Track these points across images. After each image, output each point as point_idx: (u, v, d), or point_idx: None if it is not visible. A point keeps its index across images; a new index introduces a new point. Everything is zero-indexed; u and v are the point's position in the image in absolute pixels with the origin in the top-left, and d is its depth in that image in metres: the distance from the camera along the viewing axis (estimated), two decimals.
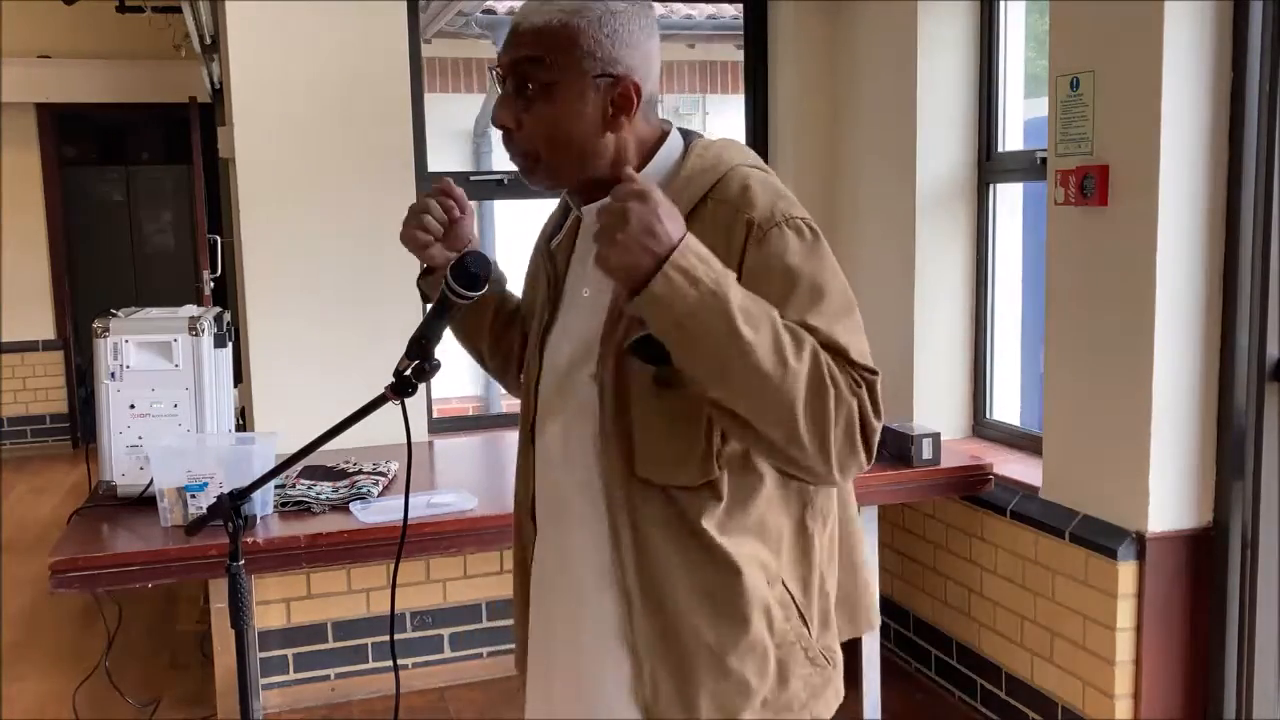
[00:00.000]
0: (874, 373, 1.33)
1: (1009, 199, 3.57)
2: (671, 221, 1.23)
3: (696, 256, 1.23)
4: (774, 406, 1.24)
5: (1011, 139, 3.51)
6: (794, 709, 1.44)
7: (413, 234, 1.56)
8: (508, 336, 1.68)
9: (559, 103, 1.36)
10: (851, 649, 3.00)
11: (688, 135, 1.47)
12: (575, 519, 1.45)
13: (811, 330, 1.29)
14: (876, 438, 1.31)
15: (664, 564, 1.38)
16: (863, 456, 1.30)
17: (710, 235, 1.31)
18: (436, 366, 1.42)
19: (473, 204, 1.59)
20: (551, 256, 1.54)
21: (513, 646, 1.70)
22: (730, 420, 1.29)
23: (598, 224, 1.24)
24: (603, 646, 1.44)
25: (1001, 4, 3.46)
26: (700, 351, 1.24)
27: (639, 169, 1.41)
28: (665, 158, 1.43)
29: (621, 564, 1.40)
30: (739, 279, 1.29)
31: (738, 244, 1.32)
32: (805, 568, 1.45)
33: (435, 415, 3.87)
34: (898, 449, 3.08)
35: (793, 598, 1.43)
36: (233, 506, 1.55)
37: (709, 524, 1.37)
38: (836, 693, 1.51)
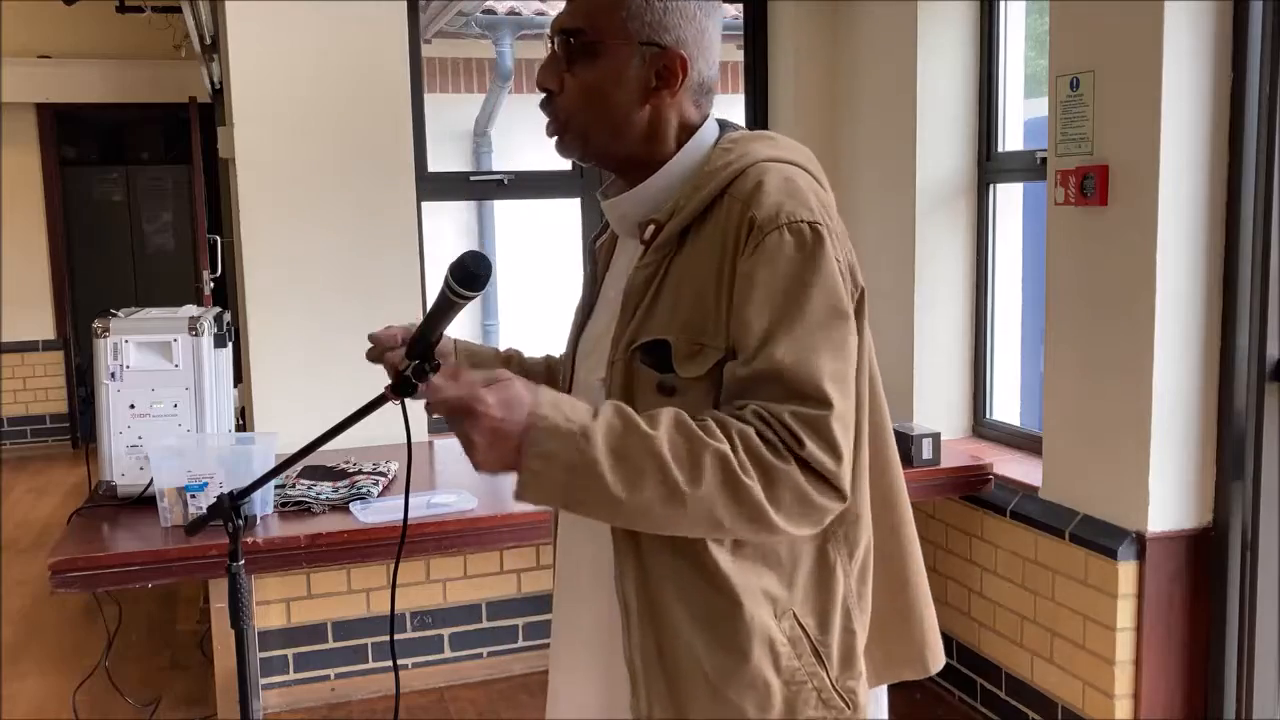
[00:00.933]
0: (825, 406, 1.21)
1: (1009, 199, 3.57)
2: (507, 409, 1.15)
3: (548, 433, 1.15)
4: (694, 527, 1.21)
5: (1011, 139, 3.51)
6: None
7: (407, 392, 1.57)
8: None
9: (600, 65, 1.32)
10: None
11: (724, 127, 1.41)
12: (584, 529, 1.43)
13: (767, 356, 1.22)
14: (841, 473, 1.22)
15: (663, 582, 1.33)
16: (826, 502, 1.22)
17: (719, 233, 1.28)
18: (436, 366, 1.41)
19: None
20: (594, 255, 1.51)
21: (512, 646, 1.70)
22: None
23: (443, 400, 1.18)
24: (606, 657, 1.42)
25: (1001, 4, 3.45)
26: (598, 513, 1.21)
27: (671, 155, 1.37)
28: (694, 150, 1.37)
29: (622, 575, 1.36)
30: (733, 280, 1.25)
31: (738, 243, 1.27)
32: (824, 601, 1.35)
33: (435, 415, 3.87)
34: (898, 449, 3.07)
35: (806, 633, 1.33)
36: (233, 506, 1.55)
37: (714, 546, 1.30)
38: None
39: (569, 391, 1.48)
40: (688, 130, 1.38)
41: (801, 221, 1.26)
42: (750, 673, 1.30)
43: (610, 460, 1.15)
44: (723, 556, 1.30)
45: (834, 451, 1.21)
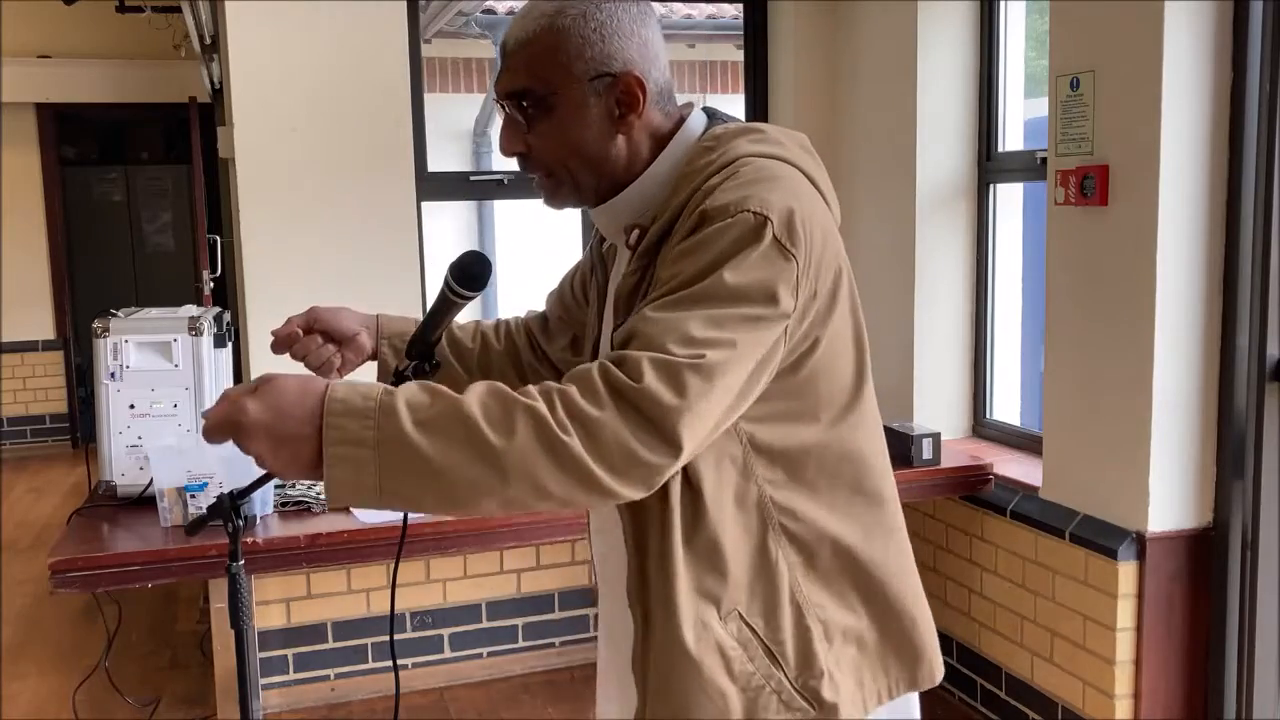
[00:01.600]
0: (693, 359, 1.12)
1: (1009, 199, 3.57)
2: (276, 411, 1.10)
3: (347, 415, 1.09)
4: (522, 495, 1.11)
5: (1011, 139, 3.51)
6: None
7: (326, 376, 1.52)
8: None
9: (558, 116, 1.29)
10: None
11: (713, 117, 1.38)
12: (607, 528, 1.41)
13: (646, 313, 1.17)
14: (681, 416, 1.11)
15: (651, 588, 1.30)
16: (652, 454, 1.12)
17: (679, 232, 1.25)
18: (436, 366, 1.42)
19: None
20: (603, 261, 1.48)
21: (512, 646, 1.69)
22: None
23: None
24: (623, 668, 1.40)
25: (1001, 4, 3.45)
26: (414, 496, 1.12)
27: (647, 164, 1.33)
28: (676, 149, 1.34)
29: (629, 576, 1.34)
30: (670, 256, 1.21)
31: (687, 230, 1.22)
32: (771, 598, 1.29)
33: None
34: (898, 449, 3.08)
35: (756, 633, 1.29)
36: (233, 506, 1.55)
37: (675, 545, 1.26)
38: None
39: None
40: (661, 139, 1.35)
41: (750, 211, 1.19)
42: (701, 679, 1.27)
43: (417, 431, 1.09)
44: (674, 556, 1.27)
45: (679, 391, 1.11)
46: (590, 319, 1.49)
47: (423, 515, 2.62)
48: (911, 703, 1.43)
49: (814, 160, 1.40)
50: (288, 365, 3.69)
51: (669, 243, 1.26)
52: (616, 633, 1.42)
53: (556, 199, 1.38)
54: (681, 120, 1.36)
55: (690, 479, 1.26)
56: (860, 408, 1.36)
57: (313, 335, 1.55)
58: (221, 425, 1.12)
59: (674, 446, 1.12)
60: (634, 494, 1.14)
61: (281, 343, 1.54)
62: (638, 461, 1.11)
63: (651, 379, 1.11)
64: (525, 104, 1.30)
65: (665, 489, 1.24)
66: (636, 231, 1.31)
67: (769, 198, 1.21)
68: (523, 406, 1.10)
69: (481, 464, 1.09)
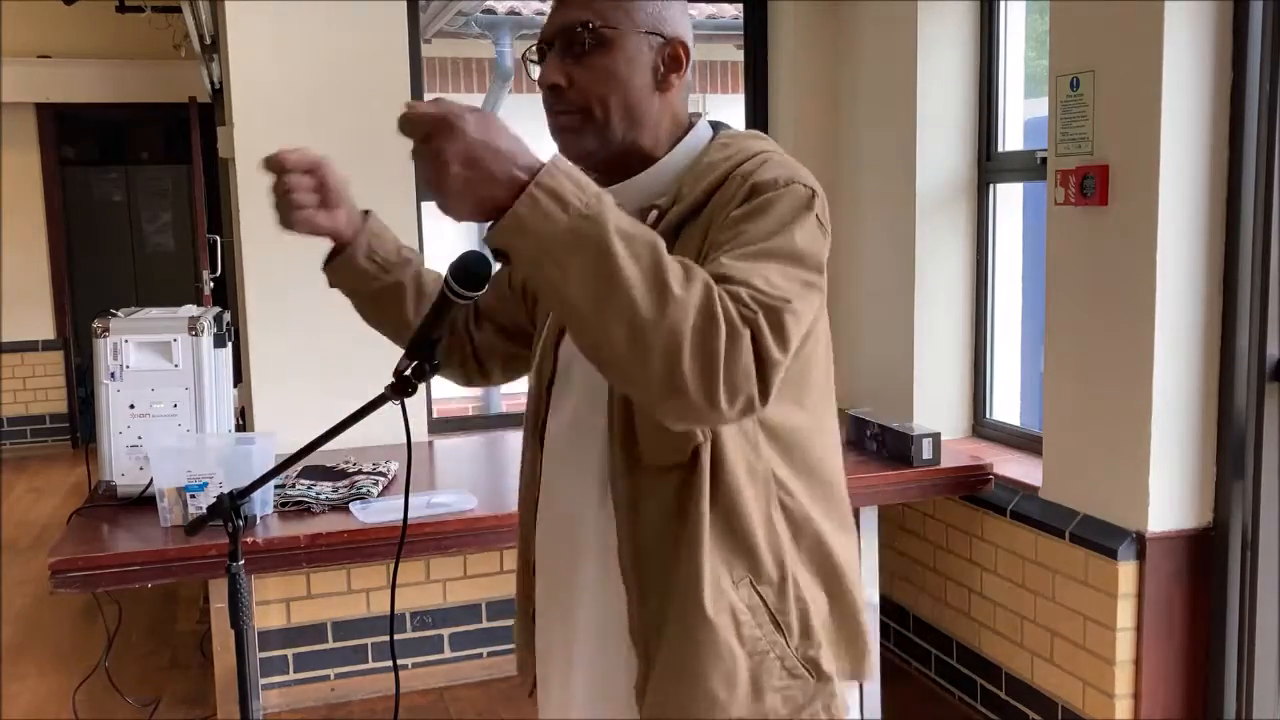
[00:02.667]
0: (785, 301, 1.17)
1: (1009, 199, 3.57)
2: (490, 134, 1.08)
3: (565, 175, 1.09)
4: (657, 348, 1.10)
5: (1011, 139, 3.51)
6: None
7: (286, 215, 1.54)
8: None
9: (615, 52, 1.36)
10: None
11: (717, 127, 1.46)
12: (581, 508, 1.43)
13: (737, 257, 1.21)
14: (778, 367, 1.16)
15: (656, 555, 1.35)
16: (756, 391, 1.14)
17: (715, 204, 1.32)
18: (437, 366, 1.41)
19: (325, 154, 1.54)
20: None
21: (512, 646, 1.67)
22: (605, 366, 1.16)
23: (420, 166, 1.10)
24: (611, 641, 1.42)
25: (1001, 4, 3.46)
26: (570, 283, 1.09)
27: (668, 148, 1.41)
28: (691, 144, 1.42)
29: (621, 554, 1.37)
30: (723, 224, 1.27)
31: (734, 203, 1.29)
32: (778, 570, 1.36)
33: (435, 415, 3.87)
34: (898, 449, 3.08)
35: (764, 601, 1.35)
36: (233, 506, 1.55)
37: (703, 510, 1.31)
38: (832, 709, 1.39)
39: (550, 385, 1.47)
40: (679, 125, 1.43)
41: (799, 184, 1.29)
42: (715, 639, 1.31)
43: (616, 233, 1.09)
44: (689, 517, 1.31)
45: (782, 340, 1.16)
46: (554, 317, 1.50)
47: (422, 516, 2.63)
48: (853, 695, 1.47)
49: None
50: (288, 365, 3.68)
51: (697, 221, 1.33)
52: (592, 606, 1.43)
53: (577, 138, 1.38)
54: (691, 125, 1.44)
55: (716, 446, 1.32)
56: (831, 401, 1.44)
57: (307, 177, 1.55)
58: (430, 119, 1.08)
59: (765, 389, 1.15)
60: (723, 410, 1.13)
61: (282, 163, 1.53)
62: (742, 387, 1.13)
63: (764, 322, 1.14)
64: (587, 34, 1.35)
65: (696, 454, 1.30)
66: (655, 212, 1.37)
67: (810, 179, 1.32)
68: (703, 277, 1.12)
69: (649, 294, 1.08)
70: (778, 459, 1.36)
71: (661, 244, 1.13)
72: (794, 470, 1.38)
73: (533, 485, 1.53)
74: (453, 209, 1.12)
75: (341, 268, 1.60)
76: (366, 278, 1.60)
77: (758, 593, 1.34)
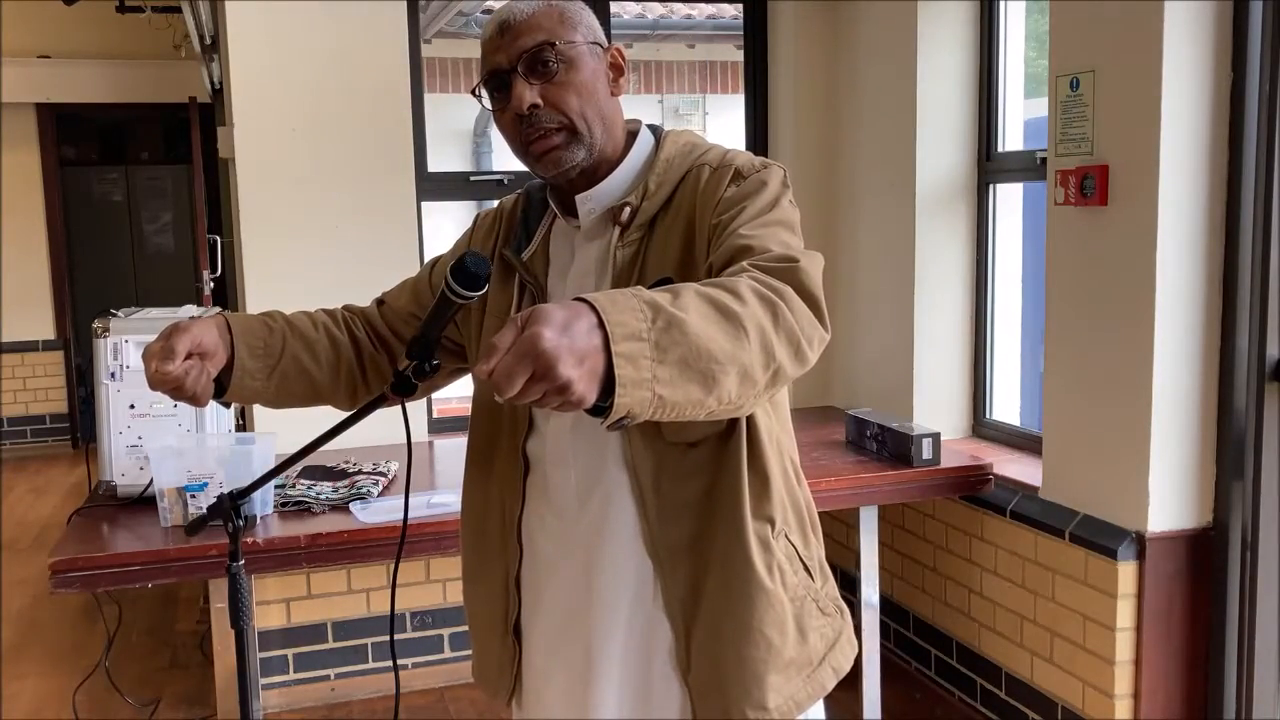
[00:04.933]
0: (801, 252, 1.31)
1: (1009, 199, 3.57)
2: (564, 328, 1.05)
3: (619, 313, 1.09)
4: (761, 359, 1.17)
5: (1011, 139, 3.51)
6: (814, 663, 1.48)
7: (158, 381, 1.48)
8: (299, 373, 1.60)
9: (579, 66, 1.44)
10: None
11: (654, 128, 1.57)
12: (593, 503, 1.46)
13: (746, 235, 1.33)
14: (823, 302, 1.28)
15: (687, 524, 1.43)
16: (822, 329, 1.26)
17: (689, 196, 1.44)
18: (437, 366, 1.41)
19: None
20: (528, 267, 1.55)
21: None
22: (718, 416, 1.22)
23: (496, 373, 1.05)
24: (635, 622, 1.47)
25: (1001, 4, 3.45)
26: (684, 379, 1.13)
27: (621, 156, 1.50)
28: (644, 146, 1.53)
29: (650, 529, 1.44)
30: (716, 208, 1.39)
31: (721, 189, 1.41)
32: (800, 521, 1.51)
33: (435, 415, 3.87)
34: (898, 449, 3.08)
35: (796, 550, 1.48)
36: (233, 506, 1.55)
37: (734, 475, 1.42)
38: (850, 642, 1.55)
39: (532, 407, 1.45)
40: (626, 129, 1.53)
41: (775, 165, 1.45)
42: (766, 590, 1.42)
43: (679, 311, 1.12)
44: (726, 484, 1.41)
45: (815, 280, 1.28)
46: (497, 311, 1.54)
47: (422, 516, 2.63)
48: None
49: None
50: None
51: (669, 210, 1.46)
52: (609, 588, 1.46)
53: (566, 152, 1.44)
54: (635, 125, 1.56)
55: (750, 416, 1.43)
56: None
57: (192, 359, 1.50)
58: (521, 360, 1.03)
59: (825, 325, 1.26)
60: (812, 359, 1.24)
61: (171, 381, 1.47)
62: (815, 335, 1.24)
63: (801, 274, 1.26)
64: (551, 54, 1.42)
65: (731, 425, 1.42)
66: (629, 209, 1.46)
67: (773, 161, 1.47)
68: (741, 280, 1.20)
69: (730, 326, 1.14)
70: (774, 416, 1.49)
71: (695, 286, 1.16)
72: (783, 426, 1.52)
73: (515, 501, 1.53)
74: (586, 394, 1.07)
75: (238, 383, 1.54)
76: (263, 371, 1.55)
77: (791, 543, 1.48)
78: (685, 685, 1.46)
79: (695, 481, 1.44)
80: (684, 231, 1.44)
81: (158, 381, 1.47)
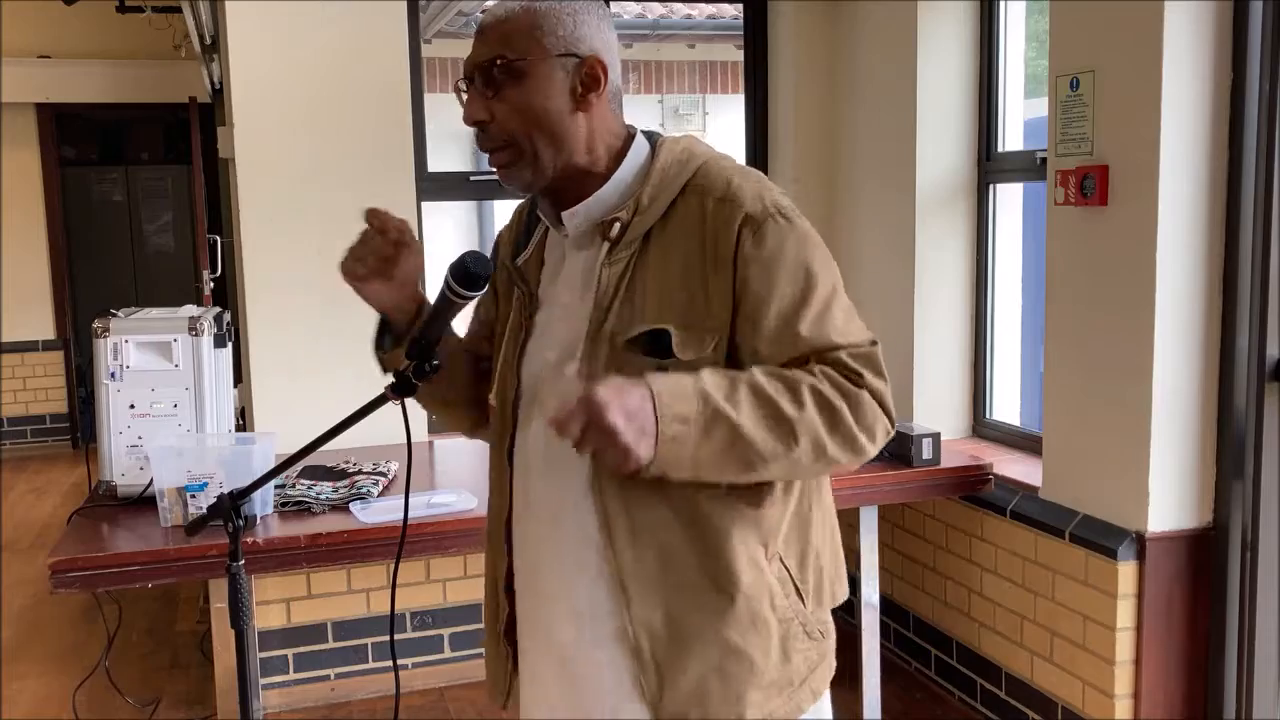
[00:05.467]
0: (870, 344, 1.38)
1: (1009, 199, 3.57)
2: (627, 391, 1.25)
3: (672, 396, 1.26)
4: (808, 458, 1.31)
5: (1011, 139, 3.51)
6: (794, 684, 1.46)
7: (349, 265, 1.56)
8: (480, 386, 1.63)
9: (528, 84, 1.38)
10: (852, 649, 3.00)
11: (650, 134, 1.51)
12: (565, 519, 1.44)
13: (802, 339, 1.35)
14: (890, 398, 1.37)
15: (656, 544, 1.39)
16: (887, 422, 1.37)
17: (693, 223, 1.38)
18: (437, 366, 1.42)
19: (418, 234, 1.58)
20: (522, 274, 1.53)
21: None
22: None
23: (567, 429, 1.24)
24: (600, 645, 1.43)
25: (1001, 4, 3.46)
26: (725, 466, 1.30)
27: (611, 167, 1.44)
28: (636, 157, 1.46)
29: (616, 554, 1.39)
30: (734, 272, 1.35)
31: (731, 237, 1.36)
32: (802, 545, 1.47)
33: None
34: (898, 449, 3.08)
35: (790, 573, 1.45)
36: (233, 506, 1.55)
37: (704, 497, 1.38)
38: (830, 666, 1.54)
39: (516, 402, 1.49)
40: (617, 137, 1.45)
41: (785, 208, 1.40)
42: (753, 612, 1.40)
43: (730, 408, 1.27)
44: (713, 506, 1.38)
45: (884, 379, 1.37)
46: (511, 327, 1.52)
47: (422, 516, 2.63)
48: (825, 701, 1.59)
49: None
50: (288, 365, 3.68)
51: (666, 232, 1.40)
52: (583, 611, 1.44)
53: (513, 171, 1.42)
54: (631, 134, 1.49)
55: None
56: None
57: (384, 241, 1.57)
58: (580, 408, 1.22)
59: (892, 419, 1.38)
60: (873, 452, 1.38)
61: (379, 229, 1.56)
62: (879, 432, 1.36)
63: (869, 376, 1.35)
64: (497, 70, 1.38)
65: None
66: (618, 225, 1.41)
67: (770, 187, 1.42)
68: (806, 382, 1.31)
69: (780, 430, 1.29)
70: None
71: (760, 383, 1.30)
72: None
73: (502, 504, 1.53)
74: (637, 454, 1.25)
75: (390, 353, 1.58)
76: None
77: (785, 566, 1.45)
78: (654, 710, 1.42)
79: (670, 505, 1.38)
80: (685, 258, 1.38)
81: (371, 212, 1.57)
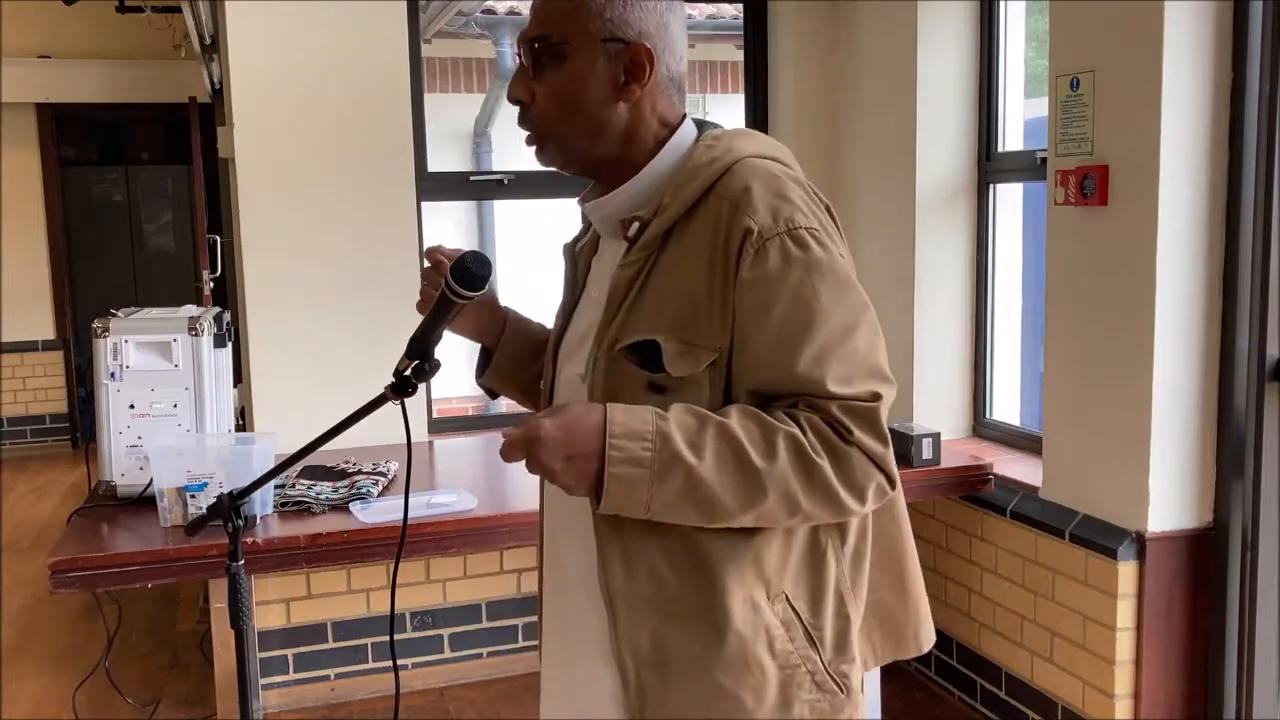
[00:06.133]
0: (872, 399, 1.25)
1: (1009, 199, 3.57)
2: (568, 430, 1.20)
3: (628, 434, 1.20)
4: (776, 510, 1.23)
5: (1011, 139, 3.51)
6: None
7: (420, 305, 1.51)
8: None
9: (566, 68, 1.32)
10: None
11: (702, 126, 1.40)
12: (566, 525, 1.42)
13: (793, 376, 1.24)
14: (890, 457, 1.27)
15: (650, 570, 1.31)
16: (883, 481, 1.26)
17: (708, 230, 1.28)
18: (436, 366, 1.41)
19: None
20: (575, 259, 1.50)
21: (512, 646, 1.67)
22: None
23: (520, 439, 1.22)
24: (589, 656, 1.40)
25: (1001, 4, 3.45)
26: (679, 510, 1.24)
27: (652, 154, 1.36)
28: (675, 148, 1.36)
29: (606, 564, 1.33)
30: (733, 291, 1.25)
31: (734, 250, 1.26)
32: (817, 585, 1.35)
33: (435, 415, 3.87)
34: (898, 449, 3.04)
35: (798, 615, 1.33)
36: (233, 506, 1.55)
37: (698, 529, 1.28)
38: None
39: (550, 393, 1.47)
40: (665, 127, 1.37)
41: (800, 228, 1.26)
42: (745, 653, 1.30)
43: (690, 452, 1.20)
44: (711, 539, 1.29)
45: (882, 438, 1.26)
46: (557, 313, 1.51)
47: (422, 516, 2.63)
48: (873, 680, 1.49)
49: (797, 165, 1.44)
50: (288, 365, 3.67)
51: (687, 235, 1.30)
52: (575, 614, 1.42)
53: (544, 155, 1.39)
54: (678, 125, 1.39)
55: None
56: None
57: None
58: (520, 441, 1.21)
59: (890, 479, 1.27)
60: (863, 511, 1.29)
61: (436, 252, 1.48)
62: (869, 491, 1.26)
63: (860, 433, 1.24)
64: (538, 50, 1.32)
65: None
66: (636, 224, 1.33)
67: (797, 203, 1.29)
68: (783, 432, 1.22)
69: (746, 482, 1.21)
70: None
71: (732, 427, 1.21)
72: None
73: (541, 505, 1.52)
74: (574, 493, 1.24)
75: (492, 373, 1.59)
76: (516, 373, 1.60)
77: (793, 608, 1.34)
78: None
79: (661, 532, 1.29)
80: (695, 266, 1.28)
81: (431, 250, 1.50)
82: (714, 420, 1.22)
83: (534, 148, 1.38)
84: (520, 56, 1.37)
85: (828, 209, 1.36)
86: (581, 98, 1.32)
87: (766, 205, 1.27)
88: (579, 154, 1.37)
